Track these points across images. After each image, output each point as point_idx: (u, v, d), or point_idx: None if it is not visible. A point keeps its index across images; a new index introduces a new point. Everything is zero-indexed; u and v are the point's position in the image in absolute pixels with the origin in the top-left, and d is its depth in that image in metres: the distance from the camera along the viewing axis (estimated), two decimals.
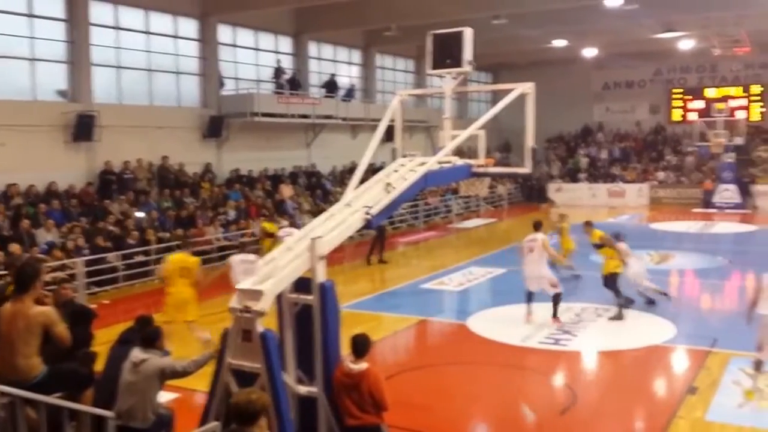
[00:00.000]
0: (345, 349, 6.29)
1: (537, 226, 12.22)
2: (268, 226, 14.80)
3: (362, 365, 5.97)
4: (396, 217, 24.70)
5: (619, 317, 11.92)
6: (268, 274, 5.95)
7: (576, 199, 32.90)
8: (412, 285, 15.56)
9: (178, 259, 10.50)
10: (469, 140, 8.71)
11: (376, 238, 18.15)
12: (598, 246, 12.96)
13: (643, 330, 11.50)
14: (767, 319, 8.32)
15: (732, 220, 26.55)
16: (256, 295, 5.77)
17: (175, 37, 21.42)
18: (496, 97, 8.42)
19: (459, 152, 9.74)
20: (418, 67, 31.75)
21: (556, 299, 11.73)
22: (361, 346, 6.05)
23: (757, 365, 8.52)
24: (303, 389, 6.29)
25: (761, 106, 34.57)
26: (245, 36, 24.20)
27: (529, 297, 11.85)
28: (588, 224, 13.90)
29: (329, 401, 6.14)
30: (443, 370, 9.85)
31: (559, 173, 35.43)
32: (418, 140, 28.82)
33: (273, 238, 13.96)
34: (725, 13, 24.23)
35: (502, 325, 11.93)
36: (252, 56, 24.51)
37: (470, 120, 8.38)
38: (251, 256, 10.61)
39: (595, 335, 11.39)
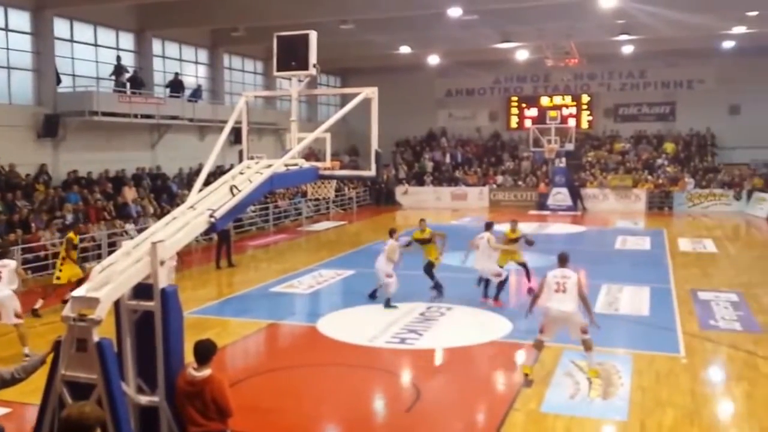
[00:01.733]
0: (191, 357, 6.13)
1: (488, 226, 14.01)
2: (74, 237, 13.68)
3: (205, 372, 5.83)
4: (245, 220, 24.35)
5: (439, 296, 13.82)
6: (104, 280, 5.66)
7: (422, 201, 34.07)
8: (262, 288, 15.42)
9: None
10: (320, 143, 8.77)
11: (221, 242, 17.80)
12: (426, 241, 14.20)
13: (483, 326, 12.05)
14: (548, 310, 9.29)
15: (564, 221, 28.42)
16: (91, 302, 5.48)
17: (6, 30, 19.94)
18: (345, 101, 8.50)
19: (310, 155, 9.78)
20: (267, 69, 31.50)
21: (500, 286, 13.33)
22: (204, 352, 5.90)
23: (587, 345, 9.26)
24: (144, 399, 6.05)
25: (589, 115, 37.46)
26: (84, 31, 22.86)
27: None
28: (422, 221, 14.81)
29: (171, 410, 5.94)
30: (292, 373, 9.83)
31: (406, 176, 36.42)
32: (268, 143, 28.62)
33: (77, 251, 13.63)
34: (557, 24, 25.96)
35: (351, 326, 12.13)
36: (91, 52, 23.18)
37: (320, 123, 8.40)
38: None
39: (440, 333, 11.78)
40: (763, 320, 12.35)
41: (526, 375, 9.31)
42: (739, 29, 26.39)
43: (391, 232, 13.77)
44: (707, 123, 35.04)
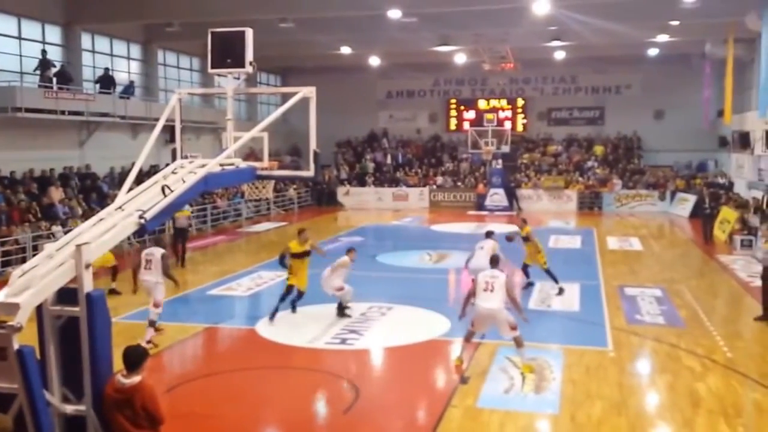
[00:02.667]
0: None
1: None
2: None
3: (134, 379, 5.64)
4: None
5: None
6: (24, 284, 5.40)
7: (363, 202, 34.12)
8: (199, 291, 15.10)
9: None
10: (261, 143, 8.61)
11: (176, 241, 17.62)
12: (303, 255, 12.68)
13: (422, 325, 12.12)
14: (477, 308, 9.62)
15: (501, 221, 28.75)
16: (10, 308, 5.21)
17: None
18: (285, 100, 8.35)
19: (250, 155, 9.59)
20: (204, 66, 30.90)
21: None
22: (133, 358, 5.70)
23: (517, 342, 9.55)
24: (70, 408, 5.81)
25: (524, 118, 38.16)
26: (6, 23, 21.87)
27: None
28: (302, 231, 13.06)
29: (99, 419, 5.71)
30: (230, 377, 9.64)
31: (347, 177, 36.35)
32: (206, 142, 28.05)
33: None
34: (493, 29, 26.37)
35: (291, 328, 11.96)
36: (15, 46, 22.21)
37: (260, 122, 8.25)
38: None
39: (380, 333, 11.80)
40: (685, 314, 12.88)
41: (458, 366, 9.63)
42: (663, 38, 27.56)
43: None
44: (634, 127, 36.31)
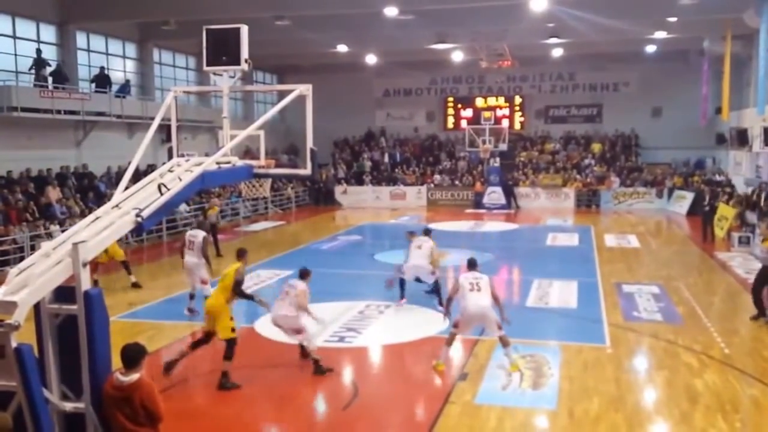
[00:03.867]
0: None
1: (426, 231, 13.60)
2: None
3: (133, 376, 5.65)
4: (180, 221, 23.80)
5: None
6: (22, 282, 5.41)
7: (361, 201, 34.13)
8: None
9: None
10: (257, 141, 8.62)
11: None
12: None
13: (420, 323, 12.12)
14: (465, 308, 9.52)
15: (498, 219, 29.01)
16: (8, 306, 5.23)
17: None
18: (282, 99, 8.37)
19: (247, 153, 9.59)
20: (200, 65, 30.74)
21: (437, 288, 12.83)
22: (131, 356, 5.71)
23: (504, 341, 9.56)
24: (69, 406, 5.83)
25: (522, 116, 38.18)
26: (1, 22, 21.84)
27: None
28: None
29: (99, 416, 5.73)
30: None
31: (345, 176, 36.36)
32: (203, 141, 28.05)
33: None
34: (490, 26, 26.35)
35: None
36: (9, 45, 22.16)
37: (256, 121, 8.26)
38: None
39: (378, 331, 11.82)
40: (682, 311, 12.92)
41: (441, 371, 9.60)
42: (660, 35, 27.54)
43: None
44: (632, 124, 36.29)
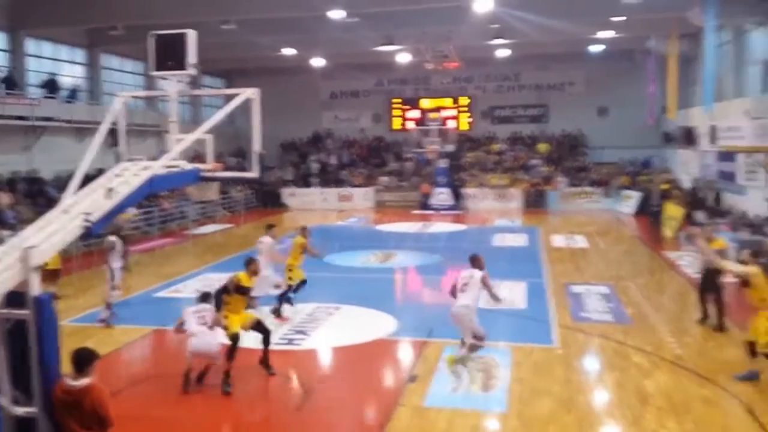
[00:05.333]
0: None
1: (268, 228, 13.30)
2: None
3: (83, 381, 5.68)
4: (128, 224, 23.46)
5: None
6: None
7: (309, 203, 34.13)
8: (146, 294, 15.03)
9: None
10: (205, 145, 8.66)
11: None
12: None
13: (369, 325, 12.27)
14: (451, 309, 9.80)
15: (446, 220, 29.23)
16: None
17: None
18: (230, 102, 8.45)
19: (196, 157, 9.60)
20: (148, 69, 30.37)
21: (280, 299, 12.57)
22: (81, 360, 5.73)
23: (471, 348, 9.73)
24: (20, 410, 5.81)
25: (468, 117, 38.57)
26: None
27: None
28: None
29: (50, 421, 5.73)
30: (177, 379, 9.55)
31: (293, 178, 36.29)
32: (151, 145, 27.65)
33: None
34: (436, 28, 26.55)
35: None
36: None
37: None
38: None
39: (327, 333, 11.90)
40: (632, 311, 12.99)
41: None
42: (605, 34, 27.68)
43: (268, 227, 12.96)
44: (578, 124, 36.70)
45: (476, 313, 9.80)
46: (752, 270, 9.09)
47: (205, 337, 9.12)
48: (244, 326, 9.46)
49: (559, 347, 10.79)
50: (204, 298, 9.68)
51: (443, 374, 9.60)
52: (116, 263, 12.68)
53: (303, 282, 12.90)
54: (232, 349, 9.14)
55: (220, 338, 9.27)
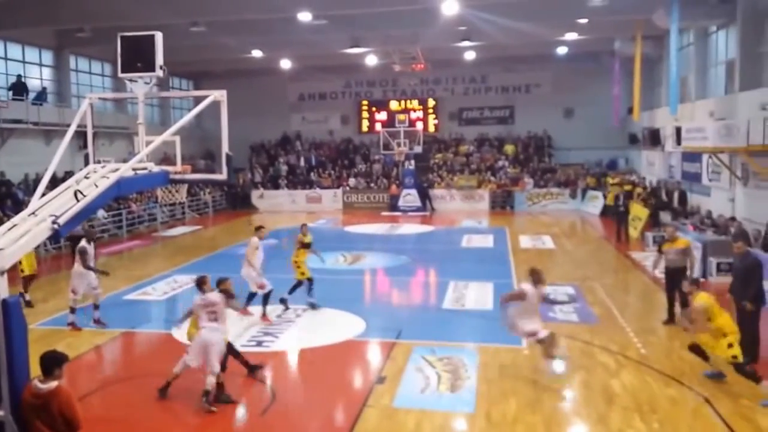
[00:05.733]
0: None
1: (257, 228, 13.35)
2: None
3: (51, 384, 5.69)
4: (97, 227, 23.24)
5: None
6: None
7: (278, 205, 34.06)
8: (115, 297, 14.89)
9: None
10: (173, 147, 8.68)
11: None
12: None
13: (338, 326, 12.31)
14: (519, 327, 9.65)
15: (414, 221, 29.32)
16: None
17: None
18: (198, 104, 8.47)
19: (165, 159, 9.60)
20: (116, 71, 30.04)
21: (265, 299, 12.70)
22: (48, 363, 5.74)
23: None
24: None
25: (435, 118, 38.83)
26: None
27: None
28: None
29: (18, 424, 5.72)
30: (147, 381, 9.55)
31: (261, 180, 36.18)
32: (120, 147, 27.48)
33: None
34: (403, 30, 26.72)
35: None
36: None
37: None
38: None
39: (296, 335, 11.96)
40: (598, 311, 13.14)
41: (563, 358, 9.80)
42: (572, 36, 27.95)
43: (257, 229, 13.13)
44: (544, 125, 37.08)
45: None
46: (706, 303, 8.97)
47: (215, 334, 8.95)
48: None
49: (525, 348, 10.74)
50: (200, 284, 9.20)
51: (411, 375, 9.66)
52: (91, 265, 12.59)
53: (310, 279, 13.43)
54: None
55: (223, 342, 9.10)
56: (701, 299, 9.05)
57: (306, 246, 13.60)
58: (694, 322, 9.18)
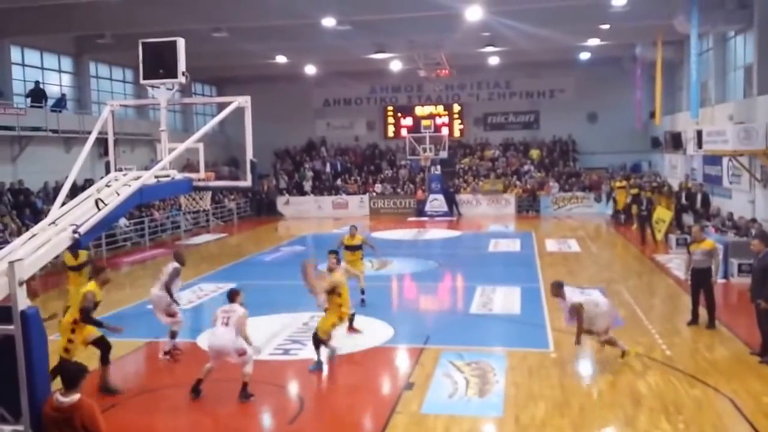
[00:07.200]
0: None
1: None
2: None
3: (74, 397, 5.54)
4: (119, 235, 23.32)
5: None
6: None
7: (304, 211, 34.05)
8: (139, 306, 14.81)
9: None
10: (197, 154, 8.57)
11: None
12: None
13: (366, 333, 12.12)
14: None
15: (441, 226, 29.24)
16: None
17: None
18: (221, 111, 8.34)
19: (187, 166, 9.50)
20: (137, 78, 30.23)
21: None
22: (71, 376, 5.59)
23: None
24: (7, 429, 5.69)
25: (461, 123, 38.74)
26: None
27: None
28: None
29: None
30: (172, 392, 9.49)
31: (287, 186, 36.21)
32: (141, 154, 27.57)
33: None
34: (427, 36, 26.62)
35: None
36: None
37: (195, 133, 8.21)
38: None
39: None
40: (624, 314, 12.96)
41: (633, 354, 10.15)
42: (594, 41, 28.27)
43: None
44: (568, 130, 37.13)
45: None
46: None
47: (224, 335, 8.88)
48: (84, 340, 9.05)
49: (553, 351, 10.79)
50: (233, 297, 9.21)
51: (440, 380, 9.56)
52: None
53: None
54: None
55: (240, 341, 8.92)
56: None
57: (349, 248, 13.76)
58: None
